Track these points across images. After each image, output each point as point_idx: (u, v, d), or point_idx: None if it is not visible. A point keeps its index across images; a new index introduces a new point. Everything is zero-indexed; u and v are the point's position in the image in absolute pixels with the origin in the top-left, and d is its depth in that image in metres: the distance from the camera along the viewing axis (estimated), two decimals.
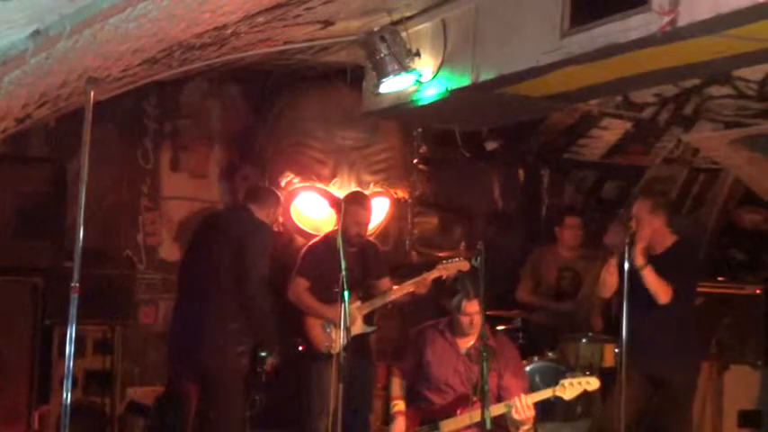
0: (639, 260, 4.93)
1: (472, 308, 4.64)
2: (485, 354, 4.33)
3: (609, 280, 5.11)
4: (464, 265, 5.30)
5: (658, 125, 6.60)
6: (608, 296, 5.31)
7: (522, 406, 4.51)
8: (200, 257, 5.38)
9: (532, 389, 4.93)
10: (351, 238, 5.45)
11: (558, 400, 4.71)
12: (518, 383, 4.76)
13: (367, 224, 5.71)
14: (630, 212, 5.16)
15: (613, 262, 5.03)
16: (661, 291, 4.94)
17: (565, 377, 4.70)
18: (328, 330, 5.38)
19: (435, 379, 4.79)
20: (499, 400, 4.66)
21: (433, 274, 5.48)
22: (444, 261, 5.50)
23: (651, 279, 4.94)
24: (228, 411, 5.22)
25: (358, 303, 5.47)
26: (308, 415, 5.44)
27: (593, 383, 4.69)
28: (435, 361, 4.80)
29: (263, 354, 5.25)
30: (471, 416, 4.55)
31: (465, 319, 4.68)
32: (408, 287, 5.51)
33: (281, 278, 5.71)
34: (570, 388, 4.64)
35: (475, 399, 4.50)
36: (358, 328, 5.45)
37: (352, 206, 5.52)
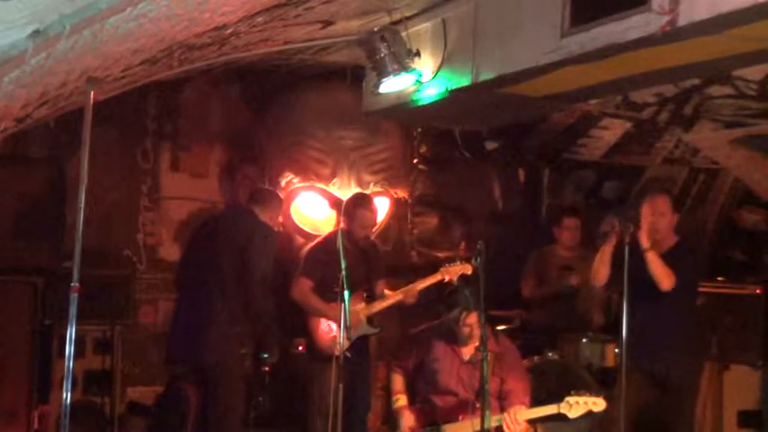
0: (645, 242, 4.90)
1: (471, 320, 4.63)
2: (484, 354, 4.32)
3: (601, 269, 5.08)
4: (467, 269, 5.30)
5: (658, 125, 6.60)
6: (599, 285, 5.26)
7: (512, 420, 4.52)
8: (203, 260, 5.38)
9: (533, 388, 4.92)
10: (357, 241, 5.47)
11: (560, 411, 4.70)
12: (521, 386, 4.74)
13: (373, 226, 5.73)
14: (639, 210, 5.11)
15: (608, 250, 5.00)
16: (665, 276, 4.89)
17: (570, 394, 4.69)
18: (332, 332, 5.37)
19: (438, 384, 4.78)
20: (501, 403, 4.65)
21: (436, 278, 5.48)
22: (447, 264, 5.50)
23: (655, 263, 4.89)
24: (229, 412, 5.22)
25: (362, 305, 5.46)
26: (309, 415, 5.44)
27: (599, 404, 4.67)
28: (438, 367, 4.79)
29: (265, 355, 5.25)
30: (473, 423, 4.54)
31: (465, 330, 4.69)
32: (398, 295, 5.52)
33: (281, 278, 5.71)
34: (576, 406, 4.62)
35: (477, 405, 4.49)
36: (362, 329, 5.44)
37: (357, 210, 5.54)
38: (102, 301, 5.76)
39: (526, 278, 6.61)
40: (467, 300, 4.63)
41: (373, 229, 5.79)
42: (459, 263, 5.45)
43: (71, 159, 5.81)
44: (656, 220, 5.02)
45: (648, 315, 4.93)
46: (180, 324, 5.43)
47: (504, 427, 4.52)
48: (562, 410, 4.62)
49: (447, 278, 5.43)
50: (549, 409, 4.64)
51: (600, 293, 6.14)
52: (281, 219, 6.17)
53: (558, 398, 4.65)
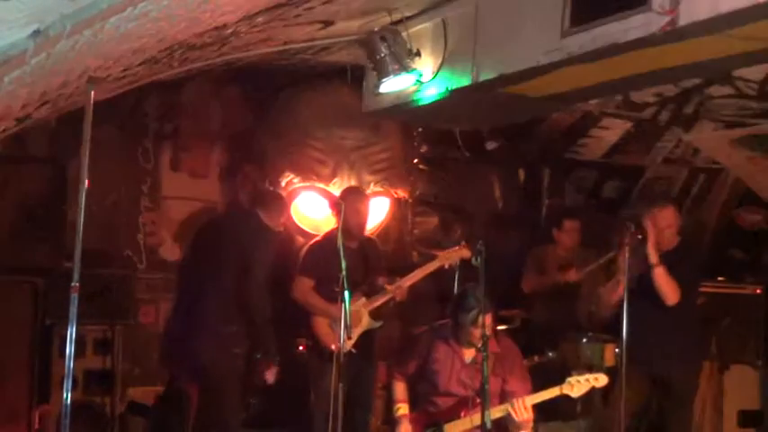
0: (654, 258, 4.90)
1: (487, 320, 4.59)
2: (485, 355, 4.31)
3: (613, 299, 5.08)
4: (465, 253, 5.30)
5: (659, 125, 6.60)
6: (606, 315, 5.29)
7: (520, 407, 4.50)
8: (204, 260, 5.38)
9: (534, 389, 4.91)
10: (351, 228, 5.43)
11: (559, 399, 4.69)
12: (523, 387, 4.73)
13: (366, 213, 5.69)
14: (644, 219, 5.10)
15: (622, 286, 4.90)
16: (671, 291, 4.91)
17: (571, 375, 4.68)
18: (336, 330, 5.35)
19: (439, 386, 4.77)
20: (503, 403, 4.63)
21: (435, 265, 5.47)
22: (444, 250, 5.50)
23: (663, 279, 4.90)
24: (224, 411, 5.21)
25: (363, 300, 5.45)
26: (313, 414, 5.43)
27: (601, 380, 4.66)
28: (439, 368, 4.77)
29: (258, 356, 5.23)
30: (472, 419, 4.53)
31: (478, 332, 4.56)
32: (398, 286, 5.50)
33: (282, 278, 5.71)
34: (578, 385, 4.60)
35: (477, 400, 4.48)
36: (365, 324, 5.44)
37: (350, 196, 5.60)
38: (103, 301, 5.76)
39: (527, 272, 6.61)
40: (481, 302, 4.57)
41: (366, 217, 5.75)
42: (456, 247, 5.44)
43: (72, 159, 5.81)
44: (663, 232, 5.03)
45: (650, 316, 4.93)
46: (177, 323, 5.43)
47: (513, 415, 4.50)
48: (565, 391, 4.60)
49: (447, 264, 5.43)
50: (552, 392, 4.62)
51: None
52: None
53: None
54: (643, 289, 4.88)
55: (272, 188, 6.28)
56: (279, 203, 5.61)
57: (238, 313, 5.17)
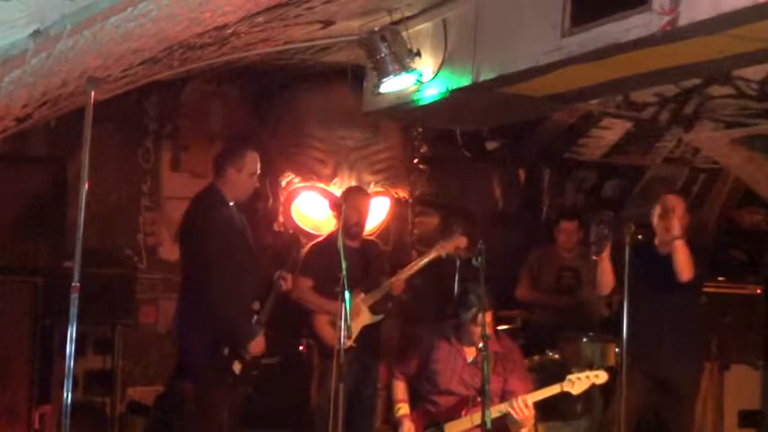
0: (676, 230, 4.90)
1: (487, 319, 4.59)
2: (485, 354, 4.31)
3: (605, 279, 5.05)
4: (462, 242, 5.30)
5: (659, 125, 6.61)
6: (606, 293, 5.28)
7: (520, 406, 4.50)
8: (186, 252, 5.27)
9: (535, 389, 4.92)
10: (351, 227, 5.42)
11: (560, 397, 4.69)
12: (523, 386, 4.73)
13: (366, 211, 5.67)
14: (652, 206, 5.11)
15: (606, 259, 4.94)
16: (687, 267, 4.89)
17: (571, 372, 4.68)
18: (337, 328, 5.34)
19: (440, 384, 4.77)
20: (503, 403, 4.64)
21: (431, 255, 5.46)
22: (441, 241, 5.49)
23: (683, 252, 4.87)
24: (214, 409, 5.12)
25: (362, 295, 5.45)
26: (315, 414, 5.42)
27: (601, 377, 4.66)
28: (440, 368, 4.77)
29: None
30: (473, 418, 4.53)
31: (478, 330, 4.54)
32: (396, 278, 5.49)
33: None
34: (578, 382, 4.61)
35: (478, 399, 4.48)
36: (366, 318, 5.43)
37: (351, 194, 5.62)
38: (103, 300, 5.75)
39: (521, 279, 6.60)
40: (481, 300, 4.57)
41: (367, 215, 5.72)
42: (453, 237, 5.44)
43: (72, 159, 5.81)
44: (671, 223, 5.02)
45: (653, 316, 4.93)
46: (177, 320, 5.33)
47: (513, 414, 4.50)
48: (565, 389, 4.60)
49: (444, 254, 5.42)
50: (553, 389, 4.63)
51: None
52: (281, 218, 6.14)
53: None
54: (648, 290, 4.87)
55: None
56: (229, 165, 5.06)
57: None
